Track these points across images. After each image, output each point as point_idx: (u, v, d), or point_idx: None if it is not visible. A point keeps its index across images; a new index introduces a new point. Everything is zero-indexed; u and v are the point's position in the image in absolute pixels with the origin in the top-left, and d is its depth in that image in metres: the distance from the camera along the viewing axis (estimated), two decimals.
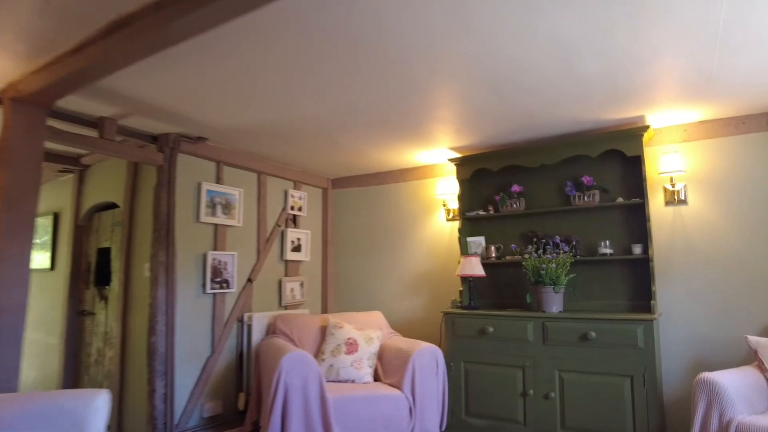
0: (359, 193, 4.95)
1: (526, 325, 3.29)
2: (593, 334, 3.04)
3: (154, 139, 3.67)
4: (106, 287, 4.08)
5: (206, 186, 3.86)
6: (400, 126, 3.42)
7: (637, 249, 3.37)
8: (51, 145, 3.51)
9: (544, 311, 3.33)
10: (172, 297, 3.56)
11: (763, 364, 2.71)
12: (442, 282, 4.30)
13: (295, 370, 3.17)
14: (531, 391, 3.22)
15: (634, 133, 3.31)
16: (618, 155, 3.52)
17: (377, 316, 4.19)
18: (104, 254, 4.18)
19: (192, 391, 3.64)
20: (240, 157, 4.13)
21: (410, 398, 3.36)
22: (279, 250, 4.49)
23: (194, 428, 3.63)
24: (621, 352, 2.98)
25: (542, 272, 3.33)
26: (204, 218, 3.82)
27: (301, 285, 4.65)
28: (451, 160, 4.05)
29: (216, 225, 3.93)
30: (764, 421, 2.36)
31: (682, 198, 3.39)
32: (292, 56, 2.40)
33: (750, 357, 2.96)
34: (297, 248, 4.62)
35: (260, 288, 4.26)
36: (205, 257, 3.80)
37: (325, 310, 4.90)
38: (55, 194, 4.60)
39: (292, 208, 4.60)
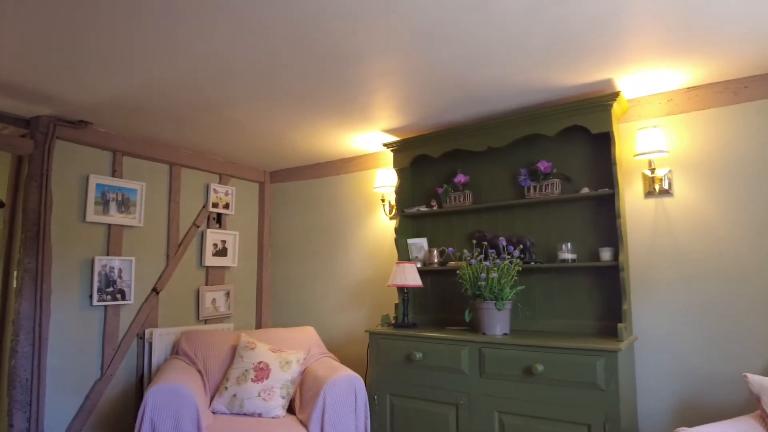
0: (298, 188, 4.29)
1: (460, 352, 2.57)
2: (540, 367, 2.31)
3: (27, 123, 3.10)
4: None
5: (95, 179, 3.26)
6: (322, 96, 2.74)
7: (606, 254, 2.61)
8: None
9: (484, 333, 2.61)
10: (42, 311, 2.96)
11: (766, 415, 1.94)
12: (386, 291, 3.60)
13: (164, 406, 2.54)
14: None
15: (600, 102, 2.55)
16: (583, 134, 2.77)
17: (307, 333, 3.52)
18: None
19: (70, 423, 3.05)
20: (143, 146, 3.51)
21: None
22: (198, 255, 3.86)
23: None
24: (576, 392, 2.24)
25: (481, 284, 2.60)
26: (92, 217, 3.23)
27: (227, 295, 4.01)
28: (386, 144, 3.34)
29: (109, 225, 3.33)
30: None
31: (666, 187, 2.61)
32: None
33: (751, 403, 2.19)
34: (221, 252, 3.99)
35: (171, 299, 3.64)
36: (92, 263, 3.20)
37: (259, 325, 4.26)
38: None
39: (215, 206, 3.96)
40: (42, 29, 1.99)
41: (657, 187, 2.62)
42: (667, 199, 2.63)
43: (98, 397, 3.18)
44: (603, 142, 2.70)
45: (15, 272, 3.00)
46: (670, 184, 2.61)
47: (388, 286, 3.08)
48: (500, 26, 1.97)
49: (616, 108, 2.59)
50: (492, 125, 2.89)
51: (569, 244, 2.72)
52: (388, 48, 2.14)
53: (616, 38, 2.07)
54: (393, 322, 3.11)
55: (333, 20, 1.92)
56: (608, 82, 2.52)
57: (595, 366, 2.20)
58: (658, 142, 2.52)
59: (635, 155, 2.58)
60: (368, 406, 2.85)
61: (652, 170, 2.60)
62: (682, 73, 2.43)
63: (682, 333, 2.53)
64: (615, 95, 2.50)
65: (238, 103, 2.81)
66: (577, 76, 2.45)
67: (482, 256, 2.71)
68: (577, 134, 2.79)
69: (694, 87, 2.58)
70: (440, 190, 3.20)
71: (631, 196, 2.72)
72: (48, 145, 3.08)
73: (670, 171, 2.62)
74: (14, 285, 3.01)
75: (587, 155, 2.79)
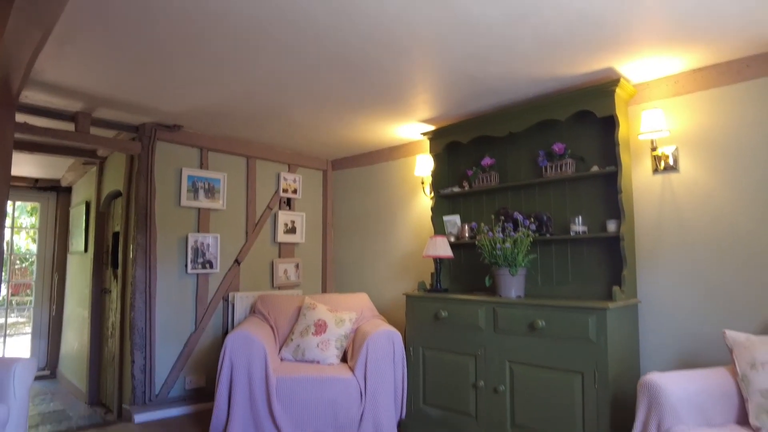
0: (355, 174, 4.85)
1: (478, 311, 2.99)
2: (541, 323, 2.67)
3: (136, 129, 3.92)
4: (118, 268, 4.46)
5: (187, 171, 4.03)
6: (361, 97, 3.25)
7: (612, 226, 2.88)
8: (70, 142, 3.90)
9: (500, 295, 3.01)
10: (151, 276, 3.79)
11: (735, 366, 2.19)
12: (427, 264, 4.07)
13: (239, 349, 3.22)
14: (481, 383, 2.93)
15: (604, 88, 2.81)
16: (592, 118, 3.02)
17: (361, 298, 4.08)
18: (117, 238, 4.56)
19: (174, 364, 3.87)
20: (224, 143, 4.25)
21: (362, 383, 3.24)
22: (271, 233, 4.56)
23: (176, 399, 3.87)
24: (572, 345, 2.58)
25: (497, 252, 2.99)
26: (185, 202, 4.00)
27: (296, 266, 4.69)
28: (424, 133, 3.78)
29: (199, 209, 4.10)
30: None
31: (672, 164, 2.82)
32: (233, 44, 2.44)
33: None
34: (291, 230, 4.66)
35: (250, 269, 4.37)
36: (186, 239, 3.99)
37: (324, 292, 4.91)
38: (87, 185, 5.12)
39: (285, 191, 4.63)
40: (145, 57, 2.68)
41: (663, 163, 2.84)
42: (673, 175, 2.83)
43: (193, 346, 3.99)
44: (611, 125, 2.95)
45: (131, 246, 3.85)
46: (675, 161, 2.81)
47: (423, 257, 3.54)
48: (491, 32, 2.34)
49: (621, 92, 2.83)
50: (511, 113, 3.23)
51: (580, 218, 3.02)
52: (428, 52, 2.59)
53: (618, 32, 2.31)
54: (428, 288, 3.57)
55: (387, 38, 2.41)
56: (610, 70, 2.77)
57: (587, 322, 2.53)
58: (659, 122, 2.73)
59: (639, 135, 2.81)
60: (405, 357, 3.36)
61: (654, 148, 2.81)
62: (686, 58, 2.62)
63: (684, 298, 2.75)
64: (616, 81, 2.75)
65: (293, 107, 3.41)
66: (580, 66, 2.72)
67: (500, 229, 3.08)
68: (587, 118, 3.05)
69: (699, 69, 2.75)
70: (470, 172, 3.59)
71: (640, 173, 2.94)
72: (151, 145, 3.88)
73: (676, 149, 2.82)
74: (131, 256, 3.86)
75: (598, 137, 3.05)
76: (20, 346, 5.92)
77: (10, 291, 6.20)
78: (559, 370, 2.62)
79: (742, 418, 2.11)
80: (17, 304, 6.42)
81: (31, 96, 3.19)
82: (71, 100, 3.31)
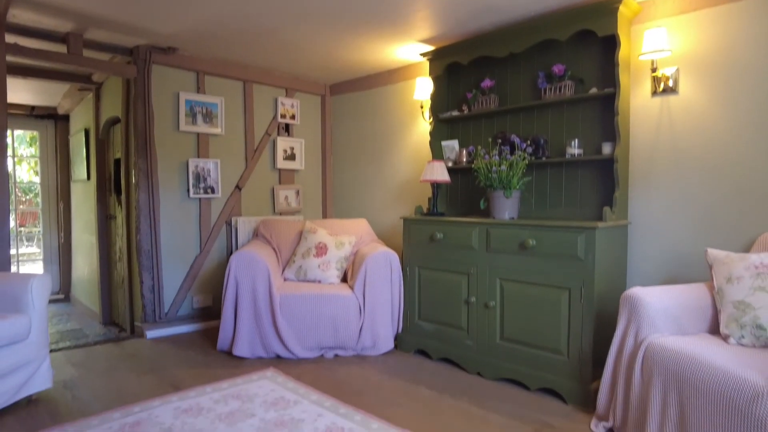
0: (354, 99, 4.79)
1: (472, 232, 3.08)
2: (532, 242, 2.77)
3: (130, 52, 3.84)
4: (121, 194, 4.54)
5: (184, 96, 4.00)
6: (357, 14, 3.16)
7: (606, 148, 2.91)
8: (64, 67, 3.84)
9: (494, 217, 3.09)
10: (154, 200, 3.87)
11: (713, 281, 2.29)
12: (425, 189, 4.12)
13: (244, 267, 3.36)
14: (473, 299, 3.08)
15: (608, 6, 2.73)
16: (593, 38, 2.96)
17: (360, 224, 4.18)
18: (119, 165, 4.60)
19: (181, 285, 4.05)
20: (220, 66, 4.17)
21: (361, 300, 3.41)
22: (271, 159, 4.59)
23: (185, 316, 4.08)
24: (561, 263, 2.69)
25: (493, 176, 3.04)
26: (184, 127, 4.01)
27: (297, 193, 4.76)
28: (423, 54, 3.71)
29: (198, 133, 4.10)
30: (676, 342, 2.04)
31: (671, 86, 2.79)
32: None
33: None
34: (290, 157, 4.69)
35: (251, 195, 4.45)
36: (187, 164, 4.03)
37: (325, 218, 5.01)
38: (85, 112, 5.09)
39: (283, 117, 4.61)
40: None
41: (662, 85, 2.81)
42: (671, 97, 2.81)
43: (199, 267, 4.14)
44: (612, 45, 2.89)
45: (132, 172, 3.90)
46: (675, 83, 2.78)
47: (420, 181, 3.59)
48: None
49: (625, 10, 2.75)
50: (511, 32, 3.16)
51: (576, 141, 3.03)
52: None
53: None
54: (424, 212, 3.65)
55: None
56: None
57: (576, 241, 2.62)
58: (662, 42, 2.67)
59: (639, 55, 2.77)
60: (402, 276, 3.51)
61: (654, 69, 2.78)
62: None
63: (673, 220, 2.83)
64: None
65: (287, 26, 3.32)
66: None
67: (497, 152, 3.11)
68: (588, 38, 2.98)
69: None
70: (469, 95, 3.56)
71: (639, 95, 2.92)
72: (147, 69, 3.82)
73: (677, 70, 2.78)
74: (133, 181, 3.92)
75: (599, 58, 3.00)
76: (34, 272, 6.14)
77: (18, 221, 6.34)
78: (547, 286, 2.75)
79: (714, 328, 2.24)
80: (26, 234, 6.59)
81: (18, 15, 3.12)
82: (61, 20, 3.23)
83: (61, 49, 3.51)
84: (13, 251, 5.92)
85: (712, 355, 1.88)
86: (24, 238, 6.59)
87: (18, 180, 6.25)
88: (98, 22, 3.27)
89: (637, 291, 2.25)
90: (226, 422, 2.38)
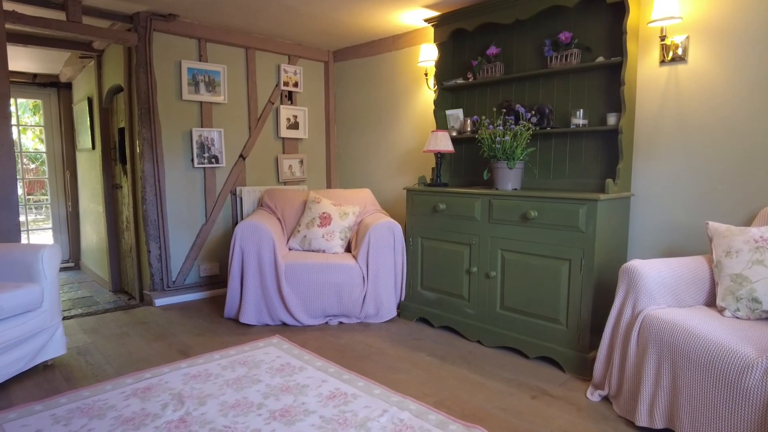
0: (357, 66, 4.72)
1: (474, 203, 3.09)
2: (534, 213, 2.78)
3: (131, 19, 3.79)
4: (126, 164, 4.56)
5: (186, 64, 3.96)
6: None
7: (612, 119, 2.88)
8: (64, 34, 3.79)
9: (497, 188, 3.09)
10: (159, 170, 3.90)
11: (712, 254, 2.31)
12: (430, 159, 4.11)
13: (249, 237, 3.41)
14: (474, 269, 3.12)
15: None
16: (601, 4, 2.88)
17: (364, 194, 4.20)
18: (123, 134, 4.60)
19: (188, 253, 4.12)
20: (222, 33, 4.11)
21: (364, 269, 3.46)
22: (274, 128, 4.57)
23: (192, 284, 4.16)
24: (562, 234, 2.71)
25: (497, 146, 3.02)
26: (187, 96, 3.99)
27: (301, 162, 4.76)
28: (427, 19, 3.63)
29: (201, 102, 4.08)
30: (671, 314, 2.08)
31: (681, 54, 2.73)
32: None
33: None
34: (294, 126, 4.67)
35: (255, 164, 4.46)
36: (191, 134, 4.03)
37: (329, 187, 5.03)
38: (87, 81, 5.06)
39: (286, 84, 4.56)
40: None
41: (671, 53, 2.75)
42: (680, 66, 2.76)
43: (205, 236, 4.20)
44: (621, 11, 2.81)
45: (137, 141, 3.90)
46: (685, 51, 2.72)
47: (423, 151, 3.58)
48: None
49: None
50: None
51: (582, 111, 3.00)
52: None
53: None
54: (428, 182, 3.65)
55: None
56: None
57: (578, 212, 2.63)
58: (673, 8, 2.60)
59: (648, 23, 2.70)
60: (404, 246, 3.55)
61: (663, 36, 2.71)
62: None
63: (676, 193, 2.82)
64: None
65: None
66: None
67: (501, 122, 3.08)
68: (597, 4, 2.91)
69: None
70: (474, 63, 3.50)
71: (647, 64, 2.86)
72: (148, 36, 3.78)
73: (687, 38, 2.71)
74: (138, 151, 3.94)
75: (607, 26, 2.93)
76: (43, 241, 6.24)
77: (25, 189, 6.40)
78: (547, 257, 2.78)
79: (711, 301, 2.27)
80: (35, 202, 6.65)
81: None
82: None
83: (60, 16, 3.47)
84: (22, 218, 6.01)
85: (706, 327, 1.92)
86: (33, 207, 6.68)
87: (24, 148, 6.27)
88: None
89: (636, 263, 2.27)
90: (233, 387, 2.47)
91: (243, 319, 3.39)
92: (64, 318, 3.60)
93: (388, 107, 4.47)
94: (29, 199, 6.53)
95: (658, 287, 2.21)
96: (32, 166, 6.64)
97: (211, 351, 2.94)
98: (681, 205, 2.81)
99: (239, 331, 3.33)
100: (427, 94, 4.10)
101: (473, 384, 2.56)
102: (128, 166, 4.24)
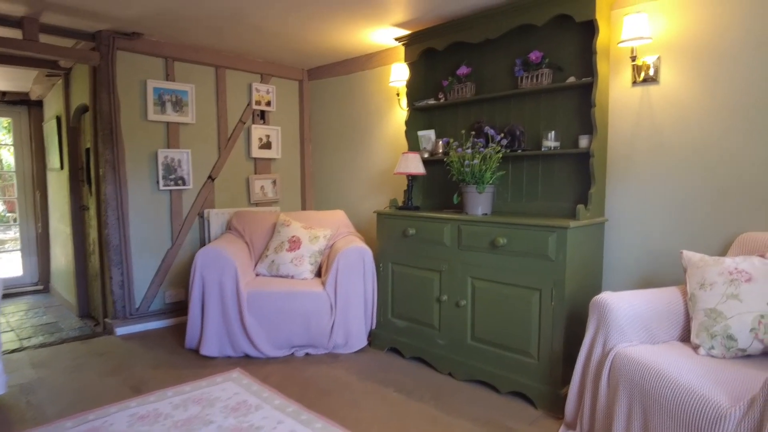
0: (331, 84, 4.62)
1: (443, 228, 2.97)
2: (503, 240, 2.65)
3: (93, 37, 3.67)
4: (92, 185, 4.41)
5: (152, 83, 3.84)
6: None
7: (584, 141, 2.77)
8: (20, 52, 3.65)
9: (467, 213, 2.97)
10: (122, 193, 3.75)
11: (687, 285, 2.18)
12: (404, 179, 3.99)
13: (210, 264, 3.26)
14: (445, 297, 2.98)
15: None
16: (571, 24, 2.79)
17: (337, 215, 4.06)
18: (90, 154, 4.46)
19: (152, 279, 3.95)
20: (190, 51, 4.00)
21: (332, 296, 3.31)
22: (246, 148, 4.44)
23: (157, 311, 3.99)
24: (532, 262, 2.58)
25: (465, 170, 2.91)
26: (152, 116, 3.86)
27: (273, 183, 4.63)
28: (398, 38, 3.54)
29: (167, 123, 3.95)
30: (643, 352, 1.94)
31: (652, 75, 2.64)
32: None
33: None
34: (266, 145, 4.54)
35: (225, 186, 4.32)
36: (156, 155, 3.89)
37: (304, 208, 4.89)
38: (56, 99, 4.92)
39: (258, 103, 4.45)
40: None
41: (642, 74, 2.66)
42: (652, 87, 2.66)
43: (171, 261, 4.04)
44: (591, 31, 2.72)
45: (101, 162, 3.76)
46: (656, 72, 2.63)
47: (394, 174, 3.46)
48: None
49: None
50: (487, 16, 2.99)
51: (553, 133, 2.89)
52: None
53: None
54: (399, 205, 3.53)
55: None
56: None
57: (547, 240, 2.50)
58: (643, 28, 2.51)
59: (618, 43, 2.61)
60: (375, 272, 3.40)
61: (633, 57, 2.62)
62: None
63: (652, 218, 2.70)
64: None
65: (255, 9, 3.13)
66: None
67: (470, 144, 2.97)
68: (567, 24, 2.82)
69: None
70: (445, 83, 3.40)
71: (618, 85, 2.77)
72: (111, 55, 3.65)
73: (658, 58, 2.62)
74: (101, 172, 3.79)
75: (577, 45, 2.84)
76: (12, 263, 6.04)
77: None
78: (518, 286, 2.64)
79: (686, 335, 2.14)
80: (3, 223, 6.45)
81: None
82: (13, 4, 3.05)
83: (18, 34, 3.34)
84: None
85: (677, 369, 1.78)
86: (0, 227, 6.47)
87: (7, 166, 6.09)
88: (52, 6, 3.09)
89: (606, 297, 2.14)
90: (181, 430, 2.30)
91: (204, 351, 3.22)
92: (14, 350, 3.42)
93: (363, 127, 4.36)
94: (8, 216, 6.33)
95: (630, 322, 2.08)
96: (1, 183, 6.45)
97: (166, 387, 2.77)
98: (657, 230, 2.69)
99: (199, 363, 3.16)
100: (400, 115, 3.99)
101: (439, 424, 2.40)
102: (93, 187, 4.08)
